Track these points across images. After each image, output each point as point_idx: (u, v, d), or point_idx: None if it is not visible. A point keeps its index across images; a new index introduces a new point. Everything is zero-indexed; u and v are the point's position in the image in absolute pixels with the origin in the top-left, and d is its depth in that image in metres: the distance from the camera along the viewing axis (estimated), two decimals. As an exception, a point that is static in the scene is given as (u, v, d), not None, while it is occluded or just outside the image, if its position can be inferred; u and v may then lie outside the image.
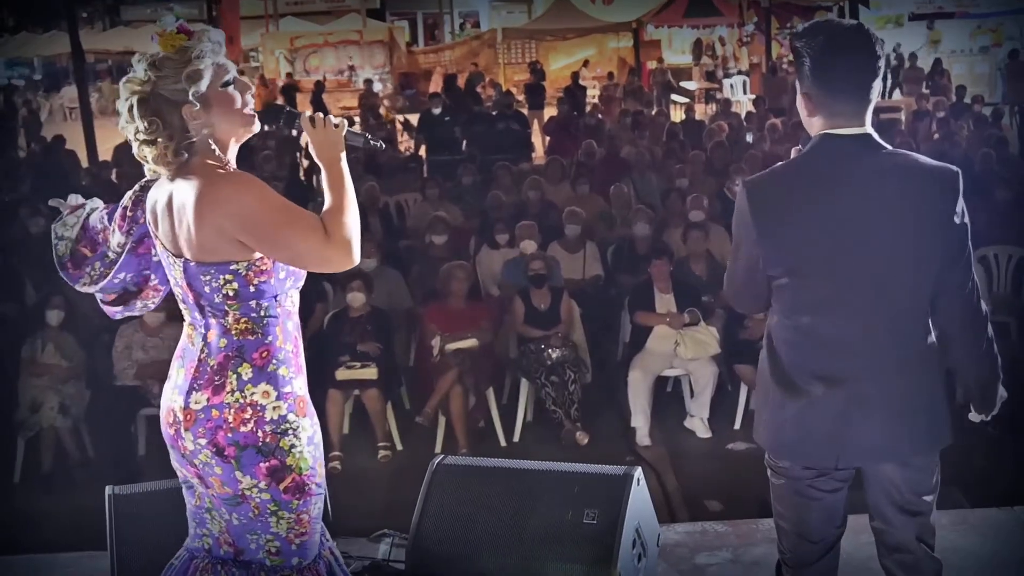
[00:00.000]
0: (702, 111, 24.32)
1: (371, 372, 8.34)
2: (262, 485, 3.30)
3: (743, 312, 3.49)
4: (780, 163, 3.58)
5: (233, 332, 3.31)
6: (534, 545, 4.76)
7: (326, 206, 3.35)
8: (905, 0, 30.00)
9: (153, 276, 3.60)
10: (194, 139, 3.26)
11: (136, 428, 8.18)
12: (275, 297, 3.32)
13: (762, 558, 5.25)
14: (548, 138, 19.34)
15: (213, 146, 3.30)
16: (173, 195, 3.29)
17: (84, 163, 16.66)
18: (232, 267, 3.25)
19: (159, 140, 3.24)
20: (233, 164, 3.39)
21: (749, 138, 15.66)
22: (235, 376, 3.30)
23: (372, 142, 3.61)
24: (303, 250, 3.27)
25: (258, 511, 3.34)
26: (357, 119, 22.16)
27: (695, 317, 8.59)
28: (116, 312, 3.72)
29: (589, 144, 15.00)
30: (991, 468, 7.17)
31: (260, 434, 3.28)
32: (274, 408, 3.30)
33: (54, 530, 7.02)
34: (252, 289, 3.28)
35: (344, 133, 3.42)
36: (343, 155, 3.40)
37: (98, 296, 3.65)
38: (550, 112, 22.90)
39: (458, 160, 15.53)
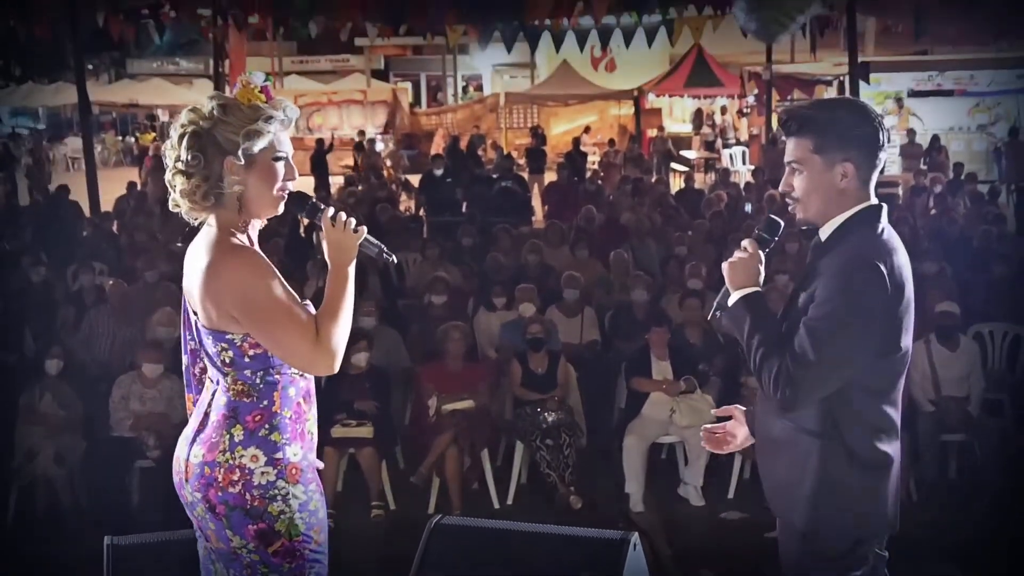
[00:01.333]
0: (701, 180, 24.43)
1: (367, 431, 8.32)
2: (251, 547, 3.32)
3: (808, 398, 3.34)
4: (871, 233, 3.50)
5: (231, 392, 3.34)
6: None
7: (323, 306, 3.37)
8: (904, 77, 30.22)
9: None
10: (223, 192, 3.29)
11: (131, 479, 8.13)
12: (274, 367, 3.34)
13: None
14: (547, 202, 19.42)
15: (237, 209, 3.33)
16: (195, 252, 3.34)
17: (87, 213, 16.73)
18: (228, 336, 3.30)
19: (194, 176, 3.27)
20: (254, 235, 3.43)
21: (748, 208, 15.74)
22: (228, 436, 3.32)
23: (385, 255, 3.61)
24: (289, 347, 3.30)
25: (250, 570, 3.35)
26: (357, 177, 22.28)
27: (691, 385, 8.60)
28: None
29: (589, 209, 15.06)
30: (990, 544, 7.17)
31: (248, 497, 3.29)
32: (262, 473, 3.31)
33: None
34: (247, 359, 3.31)
35: (360, 240, 3.43)
36: (353, 261, 3.42)
37: None
38: (550, 177, 23.03)
39: (458, 221, 15.61)
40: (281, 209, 3.44)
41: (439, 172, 18.74)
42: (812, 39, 25.90)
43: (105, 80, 40.52)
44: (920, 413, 8.30)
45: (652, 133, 30.54)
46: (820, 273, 3.45)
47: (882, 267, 3.35)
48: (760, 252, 3.62)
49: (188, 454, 3.38)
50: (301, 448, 3.41)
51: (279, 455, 3.34)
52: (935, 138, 25.07)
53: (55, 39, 19.95)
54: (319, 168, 23.72)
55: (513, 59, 33.16)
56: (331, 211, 3.46)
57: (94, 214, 16.68)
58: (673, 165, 27.49)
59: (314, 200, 3.54)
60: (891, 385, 3.47)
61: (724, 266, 3.65)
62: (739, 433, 3.87)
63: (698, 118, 33.16)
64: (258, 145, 3.29)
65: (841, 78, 25.91)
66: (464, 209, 17.82)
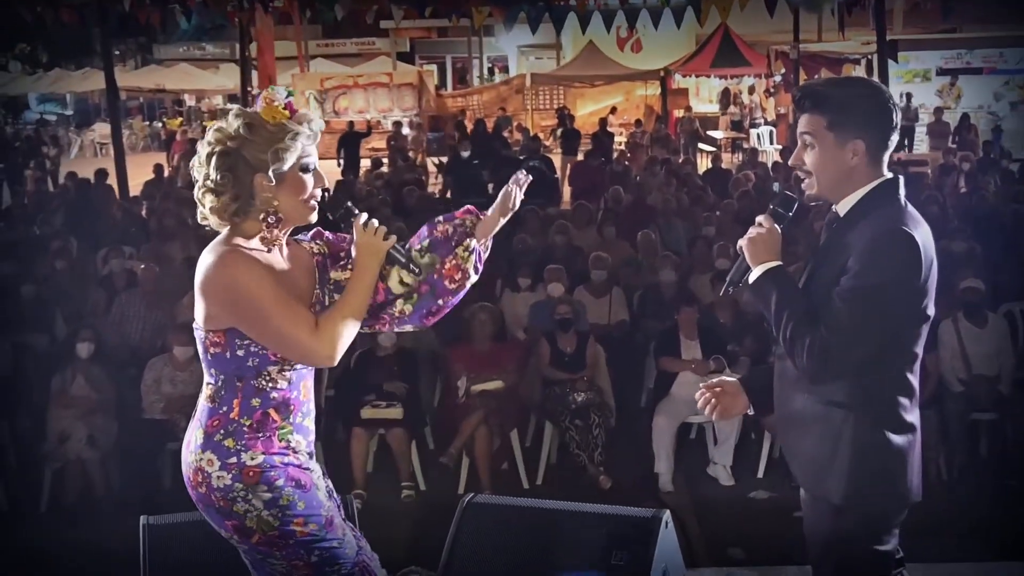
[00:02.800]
0: (728, 160, 24.37)
1: (396, 412, 8.36)
2: (236, 539, 3.40)
3: (845, 368, 3.34)
4: (895, 205, 3.52)
5: (205, 395, 3.42)
6: (563, 583, 4.79)
7: (338, 301, 3.49)
8: (932, 55, 30.00)
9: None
10: (254, 207, 3.35)
11: (163, 461, 8.19)
12: (237, 376, 3.38)
13: (791, 607, 5.26)
14: (574, 183, 19.41)
15: (271, 221, 3.38)
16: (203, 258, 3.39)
17: (117, 196, 16.85)
18: (199, 331, 3.39)
19: (224, 195, 3.32)
20: (283, 240, 3.49)
21: (776, 188, 15.66)
22: (194, 438, 3.41)
23: (412, 267, 3.62)
24: (286, 339, 3.35)
25: (249, 554, 3.44)
26: (385, 160, 22.31)
27: (720, 364, 8.59)
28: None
29: (616, 190, 15.05)
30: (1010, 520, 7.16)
31: (213, 498, 3.36)
32: (218, 477, 3.36)
33: (81, 561, 7.05)
34: (210, 356, 3.39)
35: (390, 247, 3.51)
36: (379, 264, 3.51)
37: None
38: (579, 157, 22.99)
39: (485, 203, 15.59)
40: (314, 218, 3.51)
41: (466, 154, 18.74)
42: (840, 17, 25.73)
43: (132, 66, 40.68)
44: (950, 392, 8.27)
45: (679, 113, 30.45)
46: (848, 245, 3.44)
47: (915, 235, 3.37)
48: (777, 227, 3.62)
49: (186, 457, 3.50)
50: (262, 453, 3.41)
51: (232, 460, 3.36)
52: (964, 116, 24.91)
53: (82, 25, 19.93)
54: (349, 151, 23.67)
55: (539, 40, 32.99)
56: (363, 217, 3.54)
57: (123, 198, 16.77)
58: (700, 145, 27.38)
59: (349, 205, 3.59)
60: (916, 353, 3.50)
61: (743, 242, 3.65)
62: (738, 401, 3.90)
63: (725, 98, 33.04)
64: (287, 164, 3.33)
65: (869, 56, 25.76)
66: (491, 191, 17.82)
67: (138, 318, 9.88)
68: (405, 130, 28.45)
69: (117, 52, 25.20)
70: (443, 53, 43.17)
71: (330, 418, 8.70)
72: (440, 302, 3.61)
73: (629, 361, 9.45)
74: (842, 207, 3.57)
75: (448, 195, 17.93)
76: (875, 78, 21.87)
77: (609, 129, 26.39)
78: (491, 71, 42.21)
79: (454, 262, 3.60)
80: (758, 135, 28.55)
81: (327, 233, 3.76)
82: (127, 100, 37.26)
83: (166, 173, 20.03)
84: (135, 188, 17.81)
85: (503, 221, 3.75)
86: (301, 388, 3.50)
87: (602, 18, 18.30)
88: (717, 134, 29.80)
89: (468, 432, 8.32)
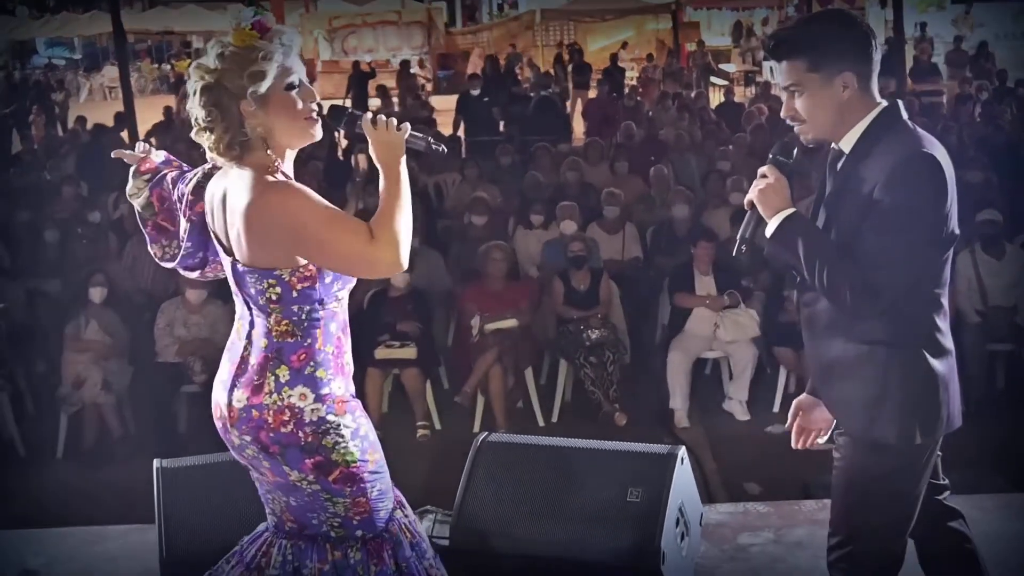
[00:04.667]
0: (741, 94, 24.23)
1: (410, 352, 8.39)
2: (311, 478, 3.33)
3: (891, 300, 3.30)
4: (905, 130, 3.45)
5: (274, 333, 3.32)
6: (578, 523, 4.79)
7: (379, 208, 3.31)
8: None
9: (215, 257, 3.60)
10: (248, 136, 3.27)
11: (178, 404, 8.23)
12: (319, 301, 3.32)
13: (804, 539, 5.26)
14: (586, 119, 19.33)
15: (268, 149, 3.31)
16: (227, 194, 3.32)
17: (126, 140, 16.81)
18: (276, 272, 3.26)
19: (215, 130, 3.26)
20: (289, 169, 3.40)
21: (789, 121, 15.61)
22: (273, 378, 3.31)
23: (434, 146, 3.52)
24: (348, 255, 3.25)
25: (312, 498, 3.38)
26: (396, 99, 22.22)
27: (735, 299, 8.59)
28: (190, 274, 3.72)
29: (628, 126, 14.98)
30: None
31: (301, 435, 3.29)
32: (312, 410, 3.31)
33: (97, 504, 7.09)
34: (295, 294, 3.28)
35: (406, 136, 3.37)
36: (403, 159, 3.36)
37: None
38: (591, 93, 22.89)
39: (496, 141, 15.55)
40: (319, 134, 3.40)
41: (476, 92, 18.65)
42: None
43: (139, 8, 40.42)
44: (967, 323, 8.27)
45: (691, 47, 30.28)
46: (864, 178, 3.38)
47: (936, 157, 3.32)
48: (782, 175, 3.57)
49: (230, 399, 3.36)
50: (344, 381, 3.42)
51: (326, 391, 3.33)
52: (982, 44, 24.67)
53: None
54: (359, 92, 23.65)
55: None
56: (370, 115, 3.40)
57: (132, 141, 16.74)
58: (713, 79, 27.19)
59: (351, 110, 3.48)
60: (945, 274, 3.46)
61: (751, 197, 3.57)
62: (820, 416, 3.78)
63: (737, 31, 32.81)
64: (266, 83, 3.24)
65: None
66: (502, 128, 17.75)
67: (150, 262, 9.87)
68: (414, 68, 28.30)
69: (125, -6, 25.26)
70: (452, -10, 42.89)
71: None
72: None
73: (643, 298, 9.46)
74: (845, 143, 3.50)
75: (459, 133, 17.84)
76: (889, 9, 21.71)
77: (620, 64, 26.22)
78: (500, 7, 41.86)
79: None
80: (771, 68, 28.33)
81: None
82: (135, 43, 37.09)
83: (175, 113, 19.97)
84: (143, 132, 17.78)
85: None
86: (346, 308, 3.48)
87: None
88: (730, 67, 29.62)
89: (482, 371, 8.34)
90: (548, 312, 8.96)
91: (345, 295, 3.41)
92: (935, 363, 3.44)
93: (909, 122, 3.46)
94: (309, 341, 3.33)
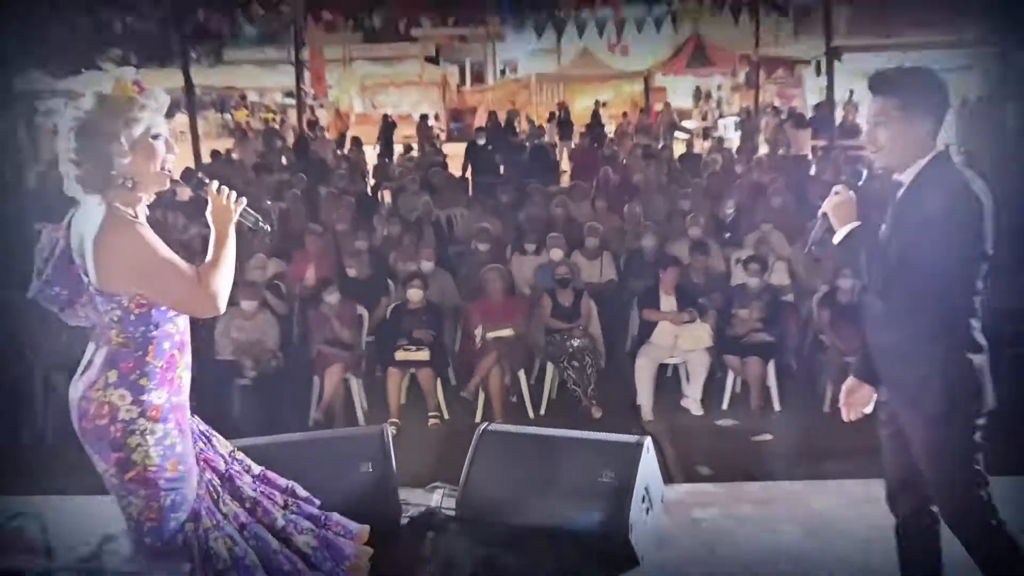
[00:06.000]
0: (700, 146, 24.22)
1: (424, 355, 8.37)
2: (112, 471, 3.25)
3: (947, 305, 3.37)
4: (954, 170, 3.51)
5: (113, 343, 3.25)
6: (562, 498, 4.80)
7: (207, 260, 3.34)
8: (876, 58, 29.73)
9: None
10: (114, 172, 3.20)
11: (232, 394, 8.19)
12: (155, 325, 3.26)
13: (748, 515, 5.26)
14: (573, 165, 19.35)
15: (129, 186, 3.24)
16: (85, 225, 3.24)
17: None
18: (116, 298, 3.22)
19: (84, 164, 3.19)
20: (141, 213, 3.33)
21: (738, 169, 15.59)
22: (104, 378, 3.24)
23: (261, 224, 3.61)
24: (176, 296, 3.25)
25: (114, 492, 3.30)
26: (415, 146, 22.20)
27: (692, 316, 8.59)
28: (67, 319, 3.54)
29: (606, 171, 14.99)
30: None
31: (112, 429, 3.21)
32: (127, 411, 3.22)
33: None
34: (132, 317, 3.24)
35: (240, 210, 3.46)
36: (232, 225, 3.42)
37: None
38: (575, 143, 22.90)
39: (497, 182, 15.55)
40: (168, 184, 3.38)
41: (481, 141, 18.68)
42: (794, 25, 25.49)
43: (206, 65, 40.35)
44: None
45: (659, 107, 30.27)
46: (922, 207, 3.44)
47: (979, 194, 3.38)
48: (852, 193, 3.66)
49: (73, 391, 3.31)
50: (167, 393, 3.31)
51: (144, 397, 3.24)
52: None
53: (164, 32, 19.84)
54: (386, 139, 23.70)
55: (543, 45, 32.78)
56: (215, 184, 3.45)
57: (198, 176, 16.70)
58: (676, 134, 27.21)
59: (200, 176, 3.50)
60: (979, 284, 3.48)
61: (826, 208, 3.69)
62: (864, 393, 3.83)
63: (697, 94, 32.87)
64: (138, 130, 3.22)
65: (818, 59, 25.55)
66: (502, 171, 17.75)
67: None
68: (431, 121, 28.31)
69: (193, 55, 25.04)
70: (463, 57, 42.81)
71: (370, 360, 8.72)
72: None
73: (616, 313, 9.42)
74: (906, 176, 3.55)
75: (467, 175, 17.85)
76: (823, 77, 21.74)
77: (601, 120, 26.24)
78: (503, 71, 41.88)
79: None
80: (724, 125, 28.39)
81: None
82: (202, 95, 37.00)
83: (233, 156, 19.92)
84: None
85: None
86: (187, 328, 3.41)
87: (595, 26, 18.21)
88: (691, 124, 29.63)
89: (484, 371, 8.33)
90: (538, 324, 8.95)
91: (181, 320, 3.35)
92: (972, 355, 3.47)
93: (957, 164, 3.53)
94: (140, 354, 3.26)
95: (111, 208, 3.21)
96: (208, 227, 3.42)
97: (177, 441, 3.32)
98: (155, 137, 3.29)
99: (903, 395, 3.61)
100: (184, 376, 3.40)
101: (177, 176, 3.50)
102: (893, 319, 3.54)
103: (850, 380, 3.88)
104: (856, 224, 3.61)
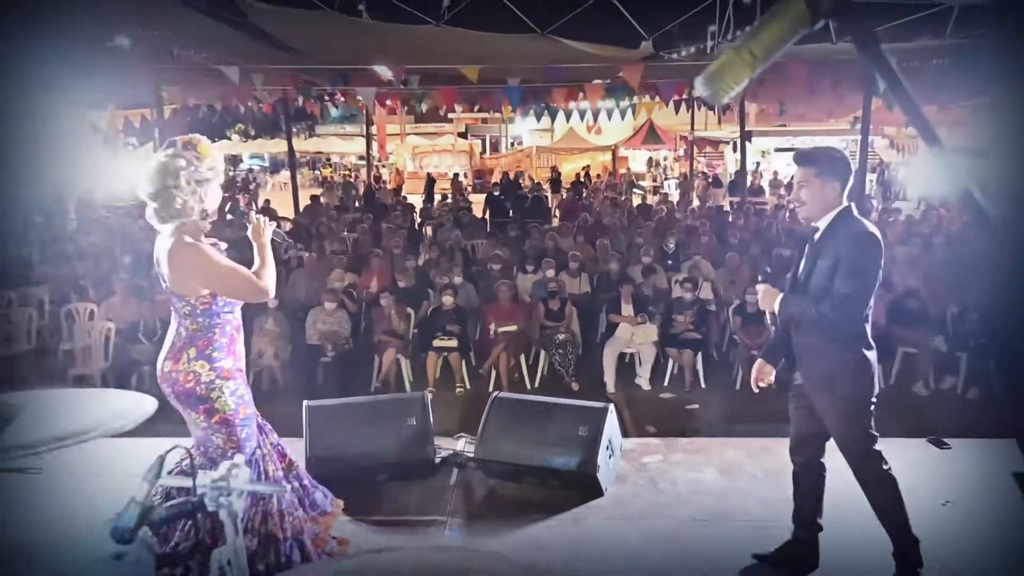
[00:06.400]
0: (651, 199, 24.19)
1: (453, 343, 8.36)
2: (201, 418, 3.27)
3: (853, 315, 3.38)
4: (857, 219, 3.46)
5: (188, 330, 3.27)
6: (549, 446, 4.78)
7: (256, 265, 3.43)
8: (775, 140, 29.75)
9: None
10: (192, 206, 3.22)
11: (317, 370, 8.21)
12: (217, 315, 3.28)
13: (680, 460, 5.24)
14: (561, 211, 19.34)
15: (196, 218, 3.25)
16: (161, 246, 3.27)
17: (291, 215, 16.78)
18: (187, 298, 3.25)
19: (175, 199, 3.18)
20: (200, 236, 3.32)
21: (678, 215, 15.57)
22: (186, 355, 3.25)
23: (287, 241, 3.80)
24: (241, 291, 3.30)
25: (203, 434, 3.30)
26: (449, 195, 22.18)
27: (644, 319, 8.57)
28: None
29: (584, 215, 14.96)
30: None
31: (198, 389, 3.23)
32: (207, 375, 3.24)
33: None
34: (199, 311, 3.26)
35: (272, 231, 3.55)
36: (268, 242, 3.50)
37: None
38: (563, 195, 22.88)
39: (507, 222, 15.53)
40: (215, 217, 3.38)
41: (497, 193, 18.68)
42: (718, 115, 25.43)
43: (303, 137, 40.51)
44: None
45: (622, 171, 30.26)
46: (834, 246, 3.41)
47: (876, 234, 3.37)
48: (768, 285, 3.66)
49: (162, 367, 3.29)
50: (232, 360, 3.33)
51: (217, 364, 3.27)
52: (792, 178, 24.62)
53: (274, 113, 19.85)
54: (428, 190, 23.79)
55: (541, 126, 32.81)
56: (253, 215, 3.53)
57: (296, 215, 16.74)
58: (635, 190, 27.20)
59: (241, 209, 3.57)
60: (871, 300, 3.46)
61: (760, 301, 3.69)
62: (767, 370, 3.83)
63: (650, 162, 32.87)
64: (214, 178, 3.26)
65: (734, 139, 25.54)
66: (511, 214, 17.74)
67: (303, 285, 9.90)
68: (461, 178, 28.34)
69: (295, 129, 25.06)
70: (484, 133, 42.88)
71: (415, 346, 8.72)
72: None
73: (590, 316, 9.41)
74: (822, 223, 3.52)
75: (486, 216, 17.85)
76: (737, 153, 21.76)
77: (582, 179, 26.22)
78: (512, 144, 41.91)
79: None
80: (668, 184, 28.36)
81: None
82: (300, 157, 37.08)
83: (322, 200, 19.96)
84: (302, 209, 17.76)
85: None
86: (240, 317, 3.44)
87: (577, 113, 18.23)
88: (644, 183, 29.62)
89: (495, 355, 8.32)
90: (535, 322, 8.93)
91: (236, 312, 3.37)
92: (867, 353, 3.46)
93: (857, 215, 3.49)
94: (210, 335, 3.28)
95: (181, 235, 3.23)
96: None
97: (243, 392, 3.36)
98: (218, 185, 3.32)
99: (816, 380, 3.57)
100: (241, 350, 3.42)
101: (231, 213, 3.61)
102: (811, 329, 3.52)
103: (759, 362, 3.87)
104: (779, 298, 3.56)
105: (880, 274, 3.37)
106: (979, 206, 1.42)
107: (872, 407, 3.53)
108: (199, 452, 3.33)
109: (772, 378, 3.85)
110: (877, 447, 3.55)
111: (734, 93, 1.54)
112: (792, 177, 4.14)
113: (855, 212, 3.50)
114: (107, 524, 1.76)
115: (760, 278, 3.76)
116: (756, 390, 3.89)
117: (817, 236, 3.55)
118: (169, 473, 1.83)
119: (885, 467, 3.55)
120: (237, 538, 1.83)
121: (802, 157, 3.55)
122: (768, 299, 3.65)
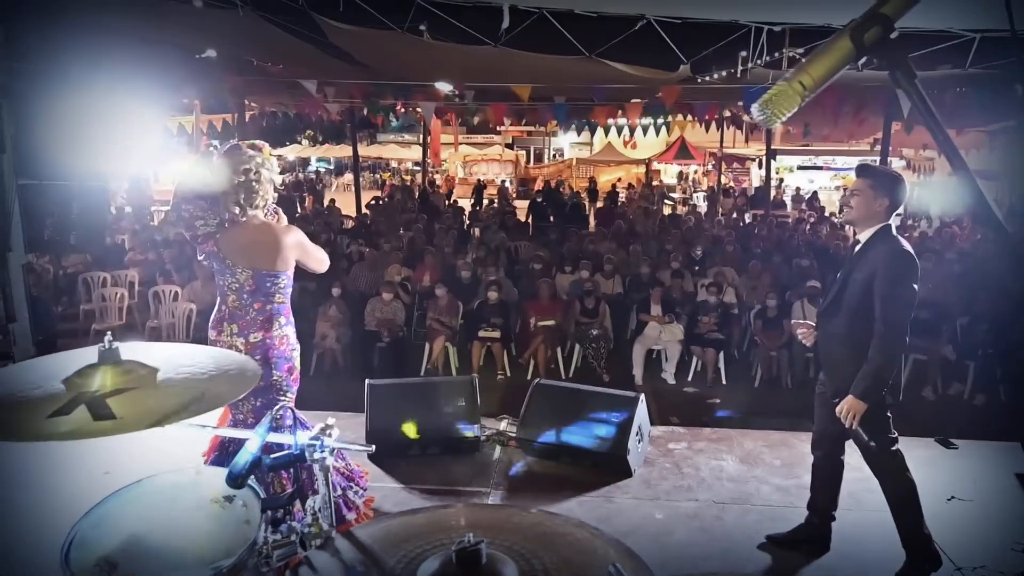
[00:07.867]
0: (680, 210, 24.01)
1: (497, 334, 8.40)
2: (283, 376, 3.39)
3: (899, 330, 3.34)
4: (896, 237, 3.37)
5: (272, 304, 3.39)
6: (584, 427, 4.81)
7: (312, 247, 3.53)
8: (798, 158, 29.34)
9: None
10: (266, 197, 3.42)
11: (373, 353, 8.31)
12: (285, 291, 3.43)
13: (703, 448, 5.24)
14: (597, 218, 19.29)
15: (267, 207, 3.46)
16: (247, 233, 3.39)
17: (353, 214, 16.95)
18: (283, 273, 3.39)
19: (256, 193, 3.37)
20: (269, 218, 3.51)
21: (705, 226, 15.45)
22: (276, 324, 3.38)
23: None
24: (321, 261, 3.51)
25: (277, 386, 3.38)
26: (496, 200, 22.24)
27: (671, 319, 8.54)
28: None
29: (619, 223, 14.91)
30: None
31: (287, 351, 3.40)
32: (293, 339, 3.44)
33: (333, 403, 7.15)
34: (282, 286, 3.41)
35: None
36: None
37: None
38: (600, 203, 22.82)
39: (548, 226, 15.55)
40: (271, 205, 3.51)
41: (539, 200, 18.69)
42: (745, 134, 25.16)
43: (366, 144, 40.90)
44: (796, 341, 8.06)
45: (655, 183, 30.06)
46: (871, 260, 3.34)
47: (911, 251, 3.29)
48: (810, 325, 3.65)
49: (247, 338, 3.35)
50: (292, 328, 3.50)
51: (293, 332, 3.46)
52: (814, 193, 24.30)
53: (341, 122, 20.11)
54: (477, 195, 23.92)
55: (581, 140, 32.76)
56: (280, 210, 3.60)
57: (358, 213, 16.92)
58: (666, 201, 26.98)
59: (275, 207, 3.61)
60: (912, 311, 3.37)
61: (803, 339, 3.65)
62: (812, 332, 3.71)
63: (681, 175, 32.59)
64: (276, 177, 3.46)
65: (760, 157, 25.22)
66: (551, 219, 17.75)
67: (363, 276, 10.02)
68: (507, 184, 28.39)
69: (359, 136, 25.39)
70: (529, 144, 42.88)
71: (462, 335, 8.78)
72: None
73: (622, 314, 9.39)
74: (863, 236, 3.44)
75: (529, 220, 17.88)
76: (762, 170, 21.46)
77: (617, 189, 26.13)
78: (554, 156, 41.85)
79: None
80: (697, 197, 28.11)
81: None
82: (363, 162, 37.40)
83: (381, 199, 20.17)
84: (363, 208, 17.93)
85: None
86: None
87: (615, 129, 18.16)
88: (675, 195, 29.37)
89: (534, 347, 8.35)
90: (571, 318, 8.94)
91: (289, 293, 3.50)
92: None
93: (896, 234, 3.40)
94: (285, 308, 3.44)
95: (266, 222, 3.43)
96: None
97: (298, 354, 3.53)
98: (279, 183, 3.52)
99: (842, 382, 3.47)
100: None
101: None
102: (839, 336, 3.46)
103: (802, 329, 3.74)
104: (861, 402, 3.35)
105: (917, 288, 3.26)
106: (1000, 224, 1.43)
107: (889, 411, 3.48)
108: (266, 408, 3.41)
109: (810, 340, 3.68)
110: (896, 448, 3.48)
111: (784, 119, 1.58)
112: (812, 192, 4.08)
113: (894, 231, 3.42)
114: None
115: (794, 320, 3.72)
116: (800, 334, 3.75)
117: (857, 249, 3.47)
118: (272, 431, 1.94)
119: (907, 474, 3.47)
120: (327, 489, 1.92)
121: (864, 168, 3.47)
122: (806, 335, 3.60)
